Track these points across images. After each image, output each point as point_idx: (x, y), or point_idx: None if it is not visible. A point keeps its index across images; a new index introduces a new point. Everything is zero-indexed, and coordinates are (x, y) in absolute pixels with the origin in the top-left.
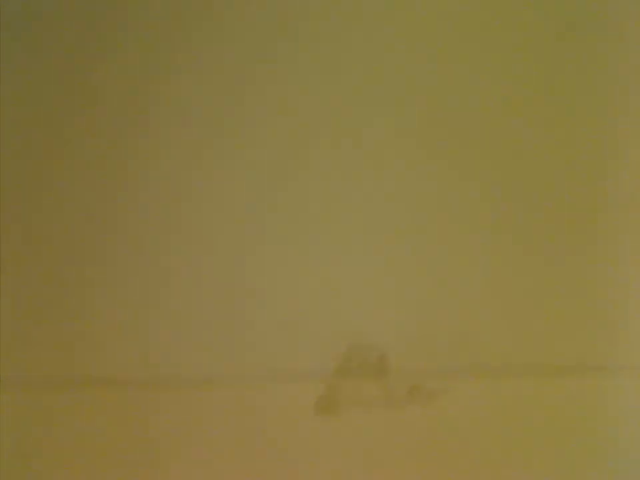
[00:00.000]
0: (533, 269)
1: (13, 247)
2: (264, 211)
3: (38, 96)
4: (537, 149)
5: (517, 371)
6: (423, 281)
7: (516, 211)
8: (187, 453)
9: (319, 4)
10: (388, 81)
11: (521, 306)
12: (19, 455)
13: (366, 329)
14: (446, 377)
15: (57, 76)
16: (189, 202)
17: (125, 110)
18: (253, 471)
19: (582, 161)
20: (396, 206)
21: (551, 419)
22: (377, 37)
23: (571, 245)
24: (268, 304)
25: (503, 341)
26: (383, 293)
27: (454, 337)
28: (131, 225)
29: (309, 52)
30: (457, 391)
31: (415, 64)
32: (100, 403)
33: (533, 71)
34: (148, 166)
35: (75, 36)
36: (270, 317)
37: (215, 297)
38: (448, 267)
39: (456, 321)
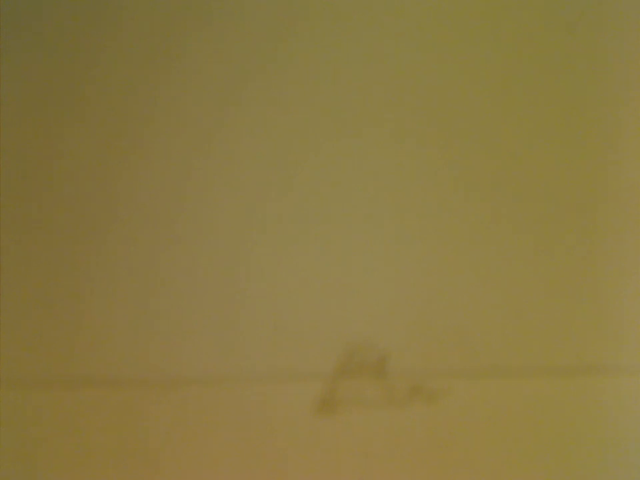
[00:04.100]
0: (533, 269)
1: (12, 246)
2: (264, 210)
3: (38, 95)
4: (538, 148)
5: (517, 371)
6: (424, 281)
7: (517, 213)
8: (187, 453)
9: (318, 4)
10: (388, 79)
11: (521, 306)
12: (19, 455)
13: (366, 328)
14: (447, 377)
15: (57, 74)
16: (188, 203)
17: (124, 109)
18: (253, 471)
19: (585, 160)
20: (396, 205)
21: (551, 418)
22: (376, 34)
23: (571, 245)
24: (268, 304)
25: (503, 341)
26: (384, 292)
27: (455, 337)
28: (131, 225)
29: (307, 51)
30: (458, 391)
31: (415, 63)
32: (100, 403)
33: (532, 68)
34: (147, 166)
35: (76, 34)
36: (270, 317)
37: (215, 296)
38: (449, 267)
39: (457, 321)
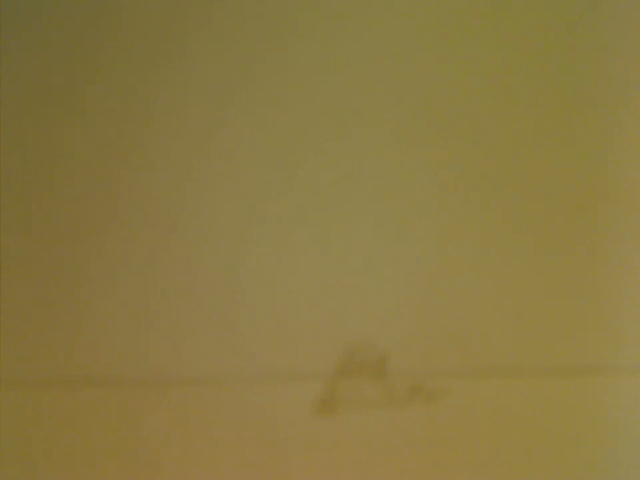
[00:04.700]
0: (533, 269)
1: (12, 246)
2: (264, 210)
3: (38, 95)
4: (538, 148)
5: (517, 371)
6: (424, 281)
7: (517, 213)
8: (187, 453)
9: (318, 4)
10: (388, 79)
11: (521, 306)
12: (19, 455)
13: (366, 328)
14: (447, 377)
15: (57, 74)
16: (188, 203)
17: (124, 109)
18: (253, 471)
19: (585, 160)
20: (396, 205)
21: (551, 418)
22: (376, 34)
23: (571, 245)
24: (268, 304)
25: (503, 341)
26: (384, 292)
27: (455, 337)
28: (131, 225)
29: (307, 51)
30: (458, 391)
31: (415, 63)
32: (100, 403)
33: (532, 68)
34: (147, 166)
35: (76, 34)
36: (270, 317)
37: (215, 296)
38: (449, 267)
39: (457, 321)
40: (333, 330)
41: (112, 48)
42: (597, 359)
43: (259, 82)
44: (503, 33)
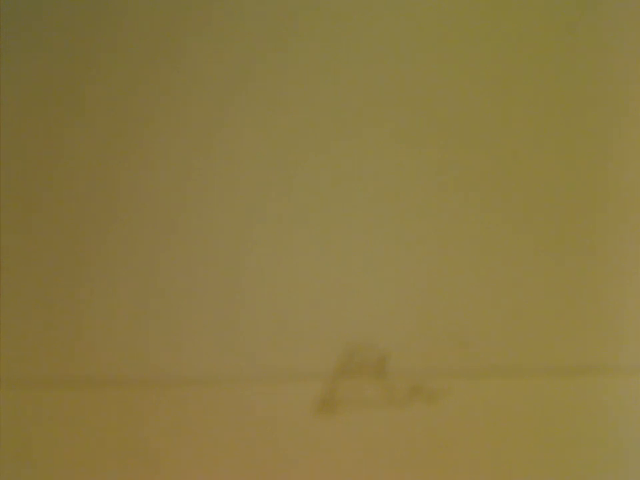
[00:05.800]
0: (533, 269)
1: (12, 246)
2: (264, 210)
3: (38, 95)
4: (538, 149)
5: (517, 371)
6: (424, 281)
7: (517, 213)
8: (187, 453)
9: (318, 4)
10: (388, 79)
11: (521, 306)
12: (19, 455)
13: (366, 328)
14: (447, 377)
15: (57, 74)
16: (188, 203)
17: (124, 109)
18: (253, 471)
19: (585, 160)
20: (396, 205)
21: (551, 418)
22: (376, 34)
23: (571, 245)
24: (268, 303)
25: (503, 341)
26: (384, 292)
27: (455, 337)
28: (131, 225)
29: (307, 51)
30: (458, 391)
31: (415, 63)
32: (100, 403)
33: (532, 68)
34: (147, 166)
35: (76, 34)
36: (270, 317)
37: (215, 296)
38: (449, 267)
39: (457, 321)
40: (333, 330)
41: (112, 48)
42: (597, 358)
43: (259, 82)
44: (503, 33)
